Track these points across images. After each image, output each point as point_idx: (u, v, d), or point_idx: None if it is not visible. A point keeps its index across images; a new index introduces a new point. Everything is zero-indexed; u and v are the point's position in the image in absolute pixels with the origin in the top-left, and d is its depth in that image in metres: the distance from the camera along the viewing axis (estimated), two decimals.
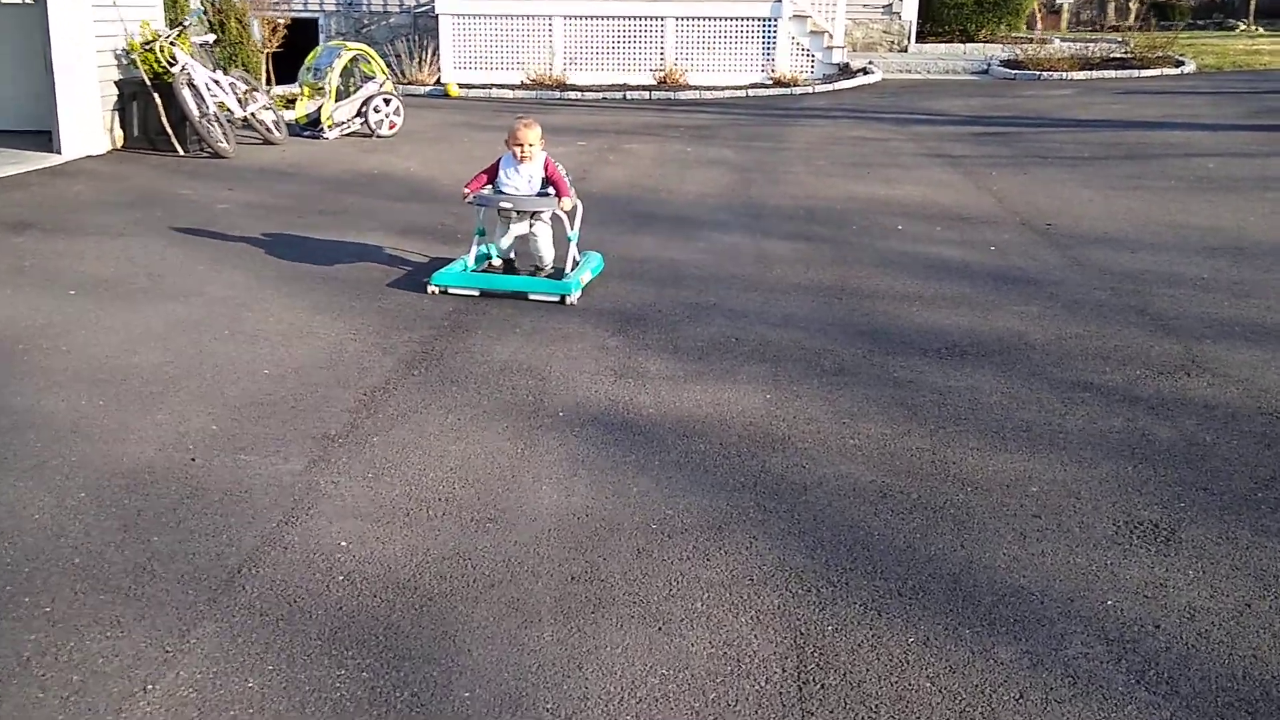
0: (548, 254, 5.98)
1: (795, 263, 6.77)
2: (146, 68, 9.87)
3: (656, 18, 16.57)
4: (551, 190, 5.83)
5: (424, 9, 17.98)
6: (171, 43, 9.82)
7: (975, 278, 6.48)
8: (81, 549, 3.28)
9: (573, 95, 15.87)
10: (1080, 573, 3.23)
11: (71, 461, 3.86)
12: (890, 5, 19.23)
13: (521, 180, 5.81)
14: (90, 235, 7.13)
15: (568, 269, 5.91)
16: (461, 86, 16.29)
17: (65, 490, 3.64)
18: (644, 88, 16.16)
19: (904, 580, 3.21)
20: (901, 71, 18.36)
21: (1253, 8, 27.82)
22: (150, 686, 2.65)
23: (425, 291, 5.88)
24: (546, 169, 5.83)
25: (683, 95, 15.99)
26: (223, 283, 6.10)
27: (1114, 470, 3.93)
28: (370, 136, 11.48)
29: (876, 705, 2.63)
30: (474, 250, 6.11)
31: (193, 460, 3.89)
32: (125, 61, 9.99)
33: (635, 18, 16.59)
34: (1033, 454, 4.08)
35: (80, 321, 5.39)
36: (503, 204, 5.76)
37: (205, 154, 9.97)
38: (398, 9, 18.31)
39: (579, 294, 5.81)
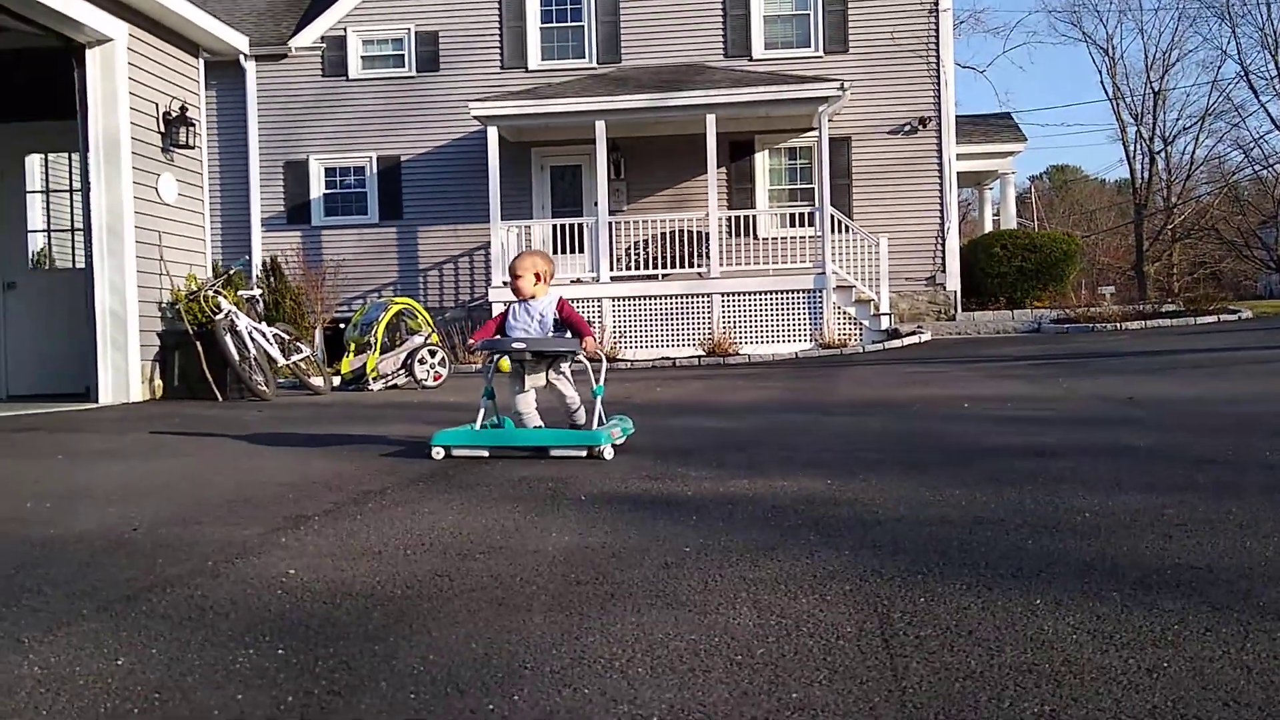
0: (579, 404, 5.06)
1: (855, 422, 6.16)
2: (190, 318, 9.88)
3: (703, 295, 16.77)
4: (569, 334, 5.01)
5: (478, 302, 18.46)
6: (216, 292, 9.88)
7: (1060, 421, 5.80)
8: None
9: (622, 366, 15.78)
10: None
11: None
12: (933, 277, 19.39)
13: (531, 321, 4.94)
14: (97, 433, 6.73)
15: (595, 426, 4.94)
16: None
17: None
18: (692, 358, 16.05)
19: (1015, 566, 2.41)
20: (952, 333, 18.22)
21: None
22: None
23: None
24: (560, 309, 5.00)
25: (731, 361, 15.84)
26: (229, 449, 5.58)
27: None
28: (415, 389, 11.27)
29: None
30: (481, 415, 5.02)
31: (134, 530, 3.24)
32: (169, 314, 10.04)
33: (682, 296, 16.80)
34: (1161, 495, 3.30)
35: (58, 471, 4.86)
36: (515, 344, 4.92)
37: (245, 399, 9.75)
38: (453, 304, 18.82)
39: (610, 448, 4.82)
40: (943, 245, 19.06)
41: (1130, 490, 3.40)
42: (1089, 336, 16.21)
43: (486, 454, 4.88)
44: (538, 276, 5.00)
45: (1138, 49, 79.31)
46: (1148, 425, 5.37)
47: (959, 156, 19.65)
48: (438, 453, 4.86)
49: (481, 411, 5.08)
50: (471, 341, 5.08)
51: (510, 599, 2.32)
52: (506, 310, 5.14)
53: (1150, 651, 1.81)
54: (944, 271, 19.29)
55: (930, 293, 19.43)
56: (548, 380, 5.04)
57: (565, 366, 5.09)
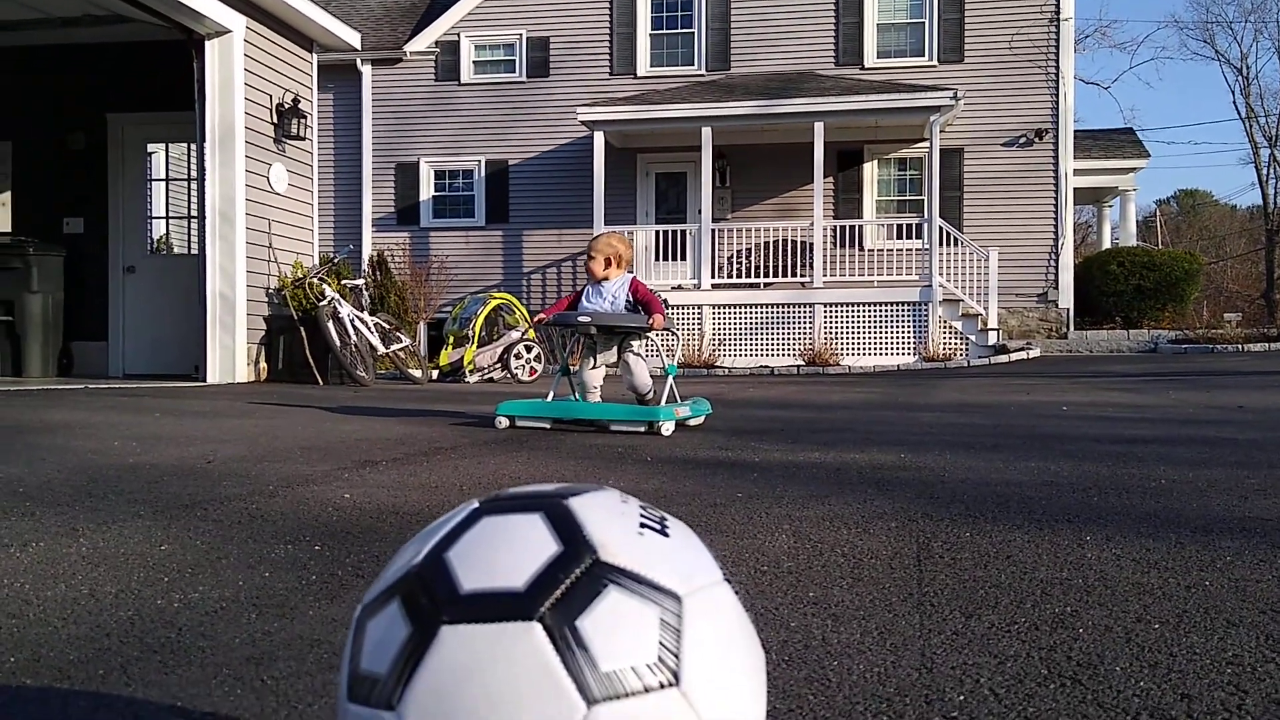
0: (646, 383, 5.00)
1: (945, 419, 6.00)
2: (296, 304, 10.18)
3: (806, 305, 16.61)
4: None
5: None
6: (321, 279, 10.16)
7: (1158, 422, 5.57)
8: (32, 487, 2.71)
9: (720, 373, 15.71)
10: None
11: (72, 460, 3.35)
12: (1045, 294, 18.86)
13: (602, 301, 4.94)
14: (199, 399, 6.97)
15: (662, 401, 4.87)
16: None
17: (44, 465, 3.11)
18: (791, 367, 15.89)
19: (1076, 520, 2.31)
20: (1062, 351, 17.70)
21: None
22: (29, 545, 2.00)
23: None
24: (635, 290, 4.96)
25: (831, 371, 15.63)
26: (315, 414, 5.72)
27: None
28: (510, 382, 11.41)
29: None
30: (553, 390, 5.15)
31: (208, 463, 3.34)
32: (276, 299, 10.36)
33: (784, 305, 16.67)
34: (1248, 470, 3.14)
35: (153, 423, 5.04)
36: (581, 318, 4.85)
37: (345, 384, 10.00)
38: None
39: (672, 425, 4.64)
40: (1056, 261, 18.54)
41: (1216, 467, 3.25)
42: (1208, 357, 15.57)
43: (548, 425, 4.90)
44: (609, 260, 4.98)
45: (1273, 69, 76.06)
46: (1253, 425, 5.12)
47: (1077, 172, 19.10)
48: (501, 422, 4.92)
49: (555, 386, 5.14)
50: (541, 316, 5.10)
51: None
52: (580, 290, 5.16)
53: (1194, 574, 1.71)
54: (1056, 288, 18.75)
55: (1041, 310, 18.89)
56: (620, 359, 5.03)
57: (638, 346, 5.06)
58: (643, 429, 4.71)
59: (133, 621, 1.52)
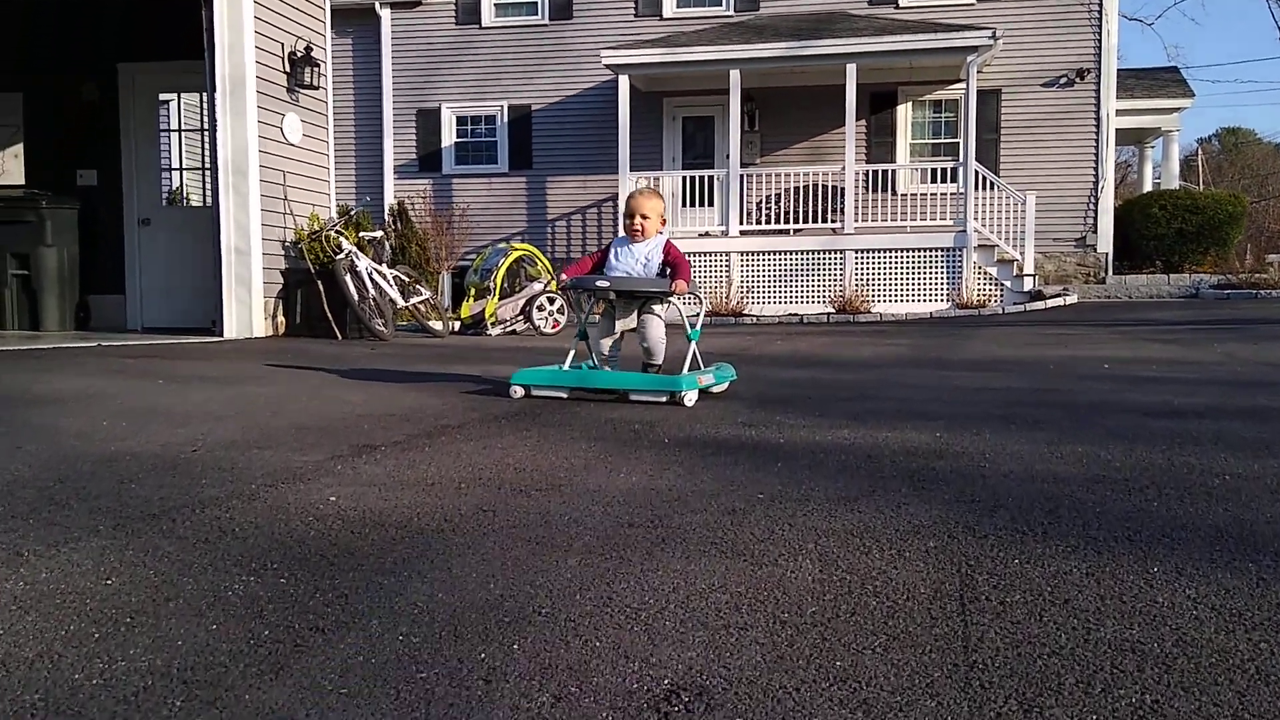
0: (659, 348, 4.76)
1: (980, 380, 5.71)
2: (313, 257, 9.97)
3: (837, 251, 16.23)
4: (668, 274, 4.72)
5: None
6: (338, 231, 9.93)
7: (1209, 384, 5.26)
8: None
9: (748, 321, 15.42)
10: None
11: (50, 448, 3.15)
12: (1084, 238, 18.36)
13: (634, 262, 4.69)
14: (208, 361, 6.80)
15: (685, 370, 4.59)
16: None
17: (19, 456, 2.92)
18: (821, 314, 15.56)
19: (1134, 531, 2.06)
20: (1100, 297, 17.26)
21: None
22: None
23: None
24: (668, 251, 4.71)
25: (862, 319, 15.30)
26: (322, 380, 5.51)
27: None
28: (533, 335, 11.19)
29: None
30: (571, 356, 4.86)
31: (193, 451, 3.13)
32: (293, 253, 10.14)
33: (814, 251, 16.29)
34: None
35: (150, 392, 4.85)
36: (599, 283, 4.63)
37: (364, 338, 9.81)
38: (580, 254, 18.73)
39: (694, 394, 4.42)
40: (1095, 204, 18.01)
41: (1279, 452, 2.97)
42: (1253, 303, 15.10)
43: (565, 395, 4.66)
44: (662, 220, 4.83)
45: None
46: None
47: (1119, 112, 18.48)
48: (516, 391, 4.70)
49: (572, 353, 4.90)
50: (563, 277, 4.83)
51: (550, 539, 2.10)
52: (607, 248, 4.90)
53: None
54: (1095, 232, 18.24)
55: (1079, 254, 18.41)
56: (639, 320, 4.78)
57: (659, 309, 4.80)
58: (664, 399, 4.46)
59: (34, 709, 1.30)
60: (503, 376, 5.90)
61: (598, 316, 4.94)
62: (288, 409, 4.24)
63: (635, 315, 4.79)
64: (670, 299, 4.69)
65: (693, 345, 4.71)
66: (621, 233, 4.91)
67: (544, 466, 2.91)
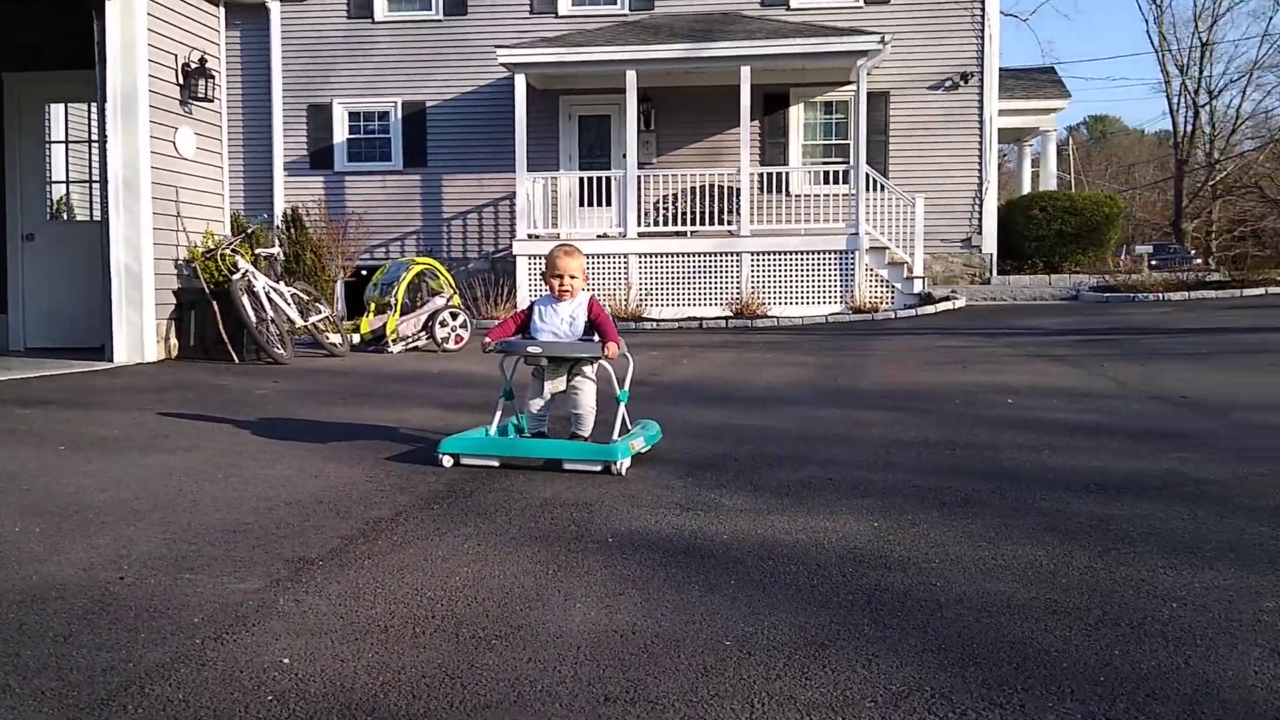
0: (589, 418, 4.73)
1: (893, 425, 5.82)
2: (207, 276, 9.60)
3: (733, 253, 16.35)
4: (596, 337, 4.68)
5: (501, 254, 18.13)
6: (234, 250, 9.59)
7: (1112, 433, 5.45)
8: None
9: (648, 325, 15.47)
10: None
11: None
12: (969, 239, 18.89)
13: (560, 322, 4.66)
14: (105, 409, 6.50)
15: (615, 435, 4.57)
16: None
17: None
18: (720, 318, 15.70)
19: (1108, 700, 2.11)
20: (987, 299, 17.79)
21: None
22: None
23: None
24: (591, 310, 4.69)
25: (760, 323, 15.48)
26: (232, 441, 5.32)
27: None
28: (436, 351, 11.01)
29: None
30: (497, 418, 4.78)
31: (120, 578, 2.97)
32: (186, 271, 9.76)
33: (711, 254, 16.39)
34: (1251, 571, 2.98)
35: (54, 469, 4.60)
36: (530, 349, 4.57)
37: (261, 361, 9.51)
38: (476, 255, 18.49)
39: (628, 462, 4.45)
40: (980, 206, 18.56)
41: (1213, 557, 3.08)
42: (1130, 307, 15.76)
43: (497, 463, 4.59)
44: (584, 279, 4.79)
45: None
46: (1215, 445, 5.01)
47: (1000, 113, 19.03)
48: (445, 461, 4.60)
49: (498, 413, 4.82)
50: (487, 341, 4.74)
51: None
52: (531, 308, 4.85)
53: None
54: (980, 233, 18.80)
55: (965, 255, 18.95)
56: (568, 384, 4.75)
57: (590, 370, 4.79)
58: (598, 468, 4.45)
59: None
60: (418, 426, 5.78)
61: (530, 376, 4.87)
62: (206, 495, 4.07)
63: (564, 378, 4.75)
64: (604, 361, 4.67)
65: (621, 407, 4.69)
66: (545, 292, 4.85)
67: (495, 590, 2.85)
